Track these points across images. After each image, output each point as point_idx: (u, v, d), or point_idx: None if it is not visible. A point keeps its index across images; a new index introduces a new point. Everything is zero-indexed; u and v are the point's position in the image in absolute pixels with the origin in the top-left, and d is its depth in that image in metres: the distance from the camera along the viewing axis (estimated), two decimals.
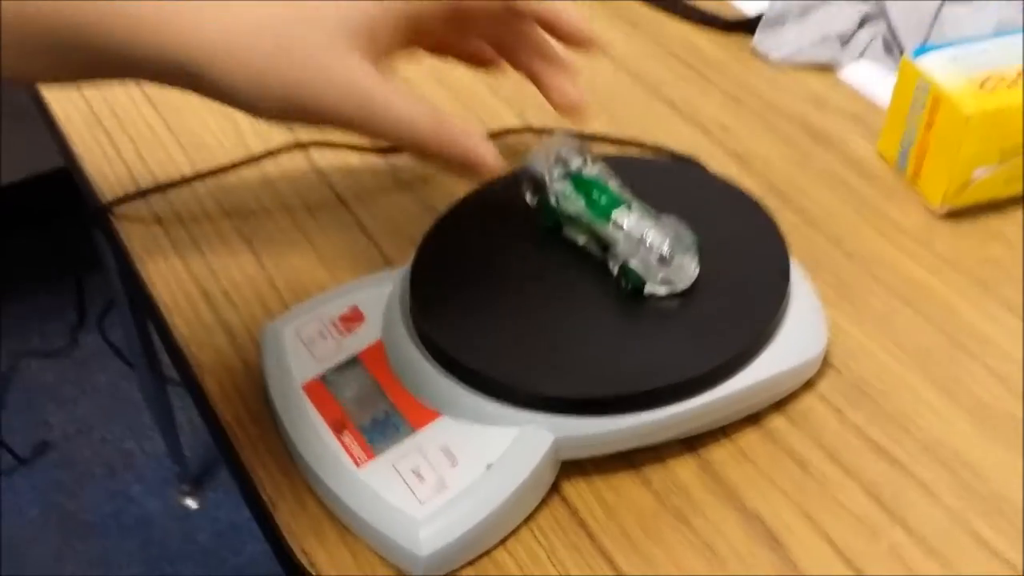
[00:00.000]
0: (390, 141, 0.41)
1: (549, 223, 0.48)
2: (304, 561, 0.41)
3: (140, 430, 1.55)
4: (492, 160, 0.41)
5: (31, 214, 1.71)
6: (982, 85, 0.51)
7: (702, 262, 0.45)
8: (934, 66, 0.52)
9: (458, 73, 0.65)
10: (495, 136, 0.60)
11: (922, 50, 0.54)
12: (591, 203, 0.46)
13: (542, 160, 0.48)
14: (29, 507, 1.46)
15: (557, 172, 0.47)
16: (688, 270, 0.44)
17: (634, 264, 0.44)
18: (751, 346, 0.43)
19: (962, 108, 0.50)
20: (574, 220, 0.47)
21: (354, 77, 0.38)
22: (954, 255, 0.52)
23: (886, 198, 0.56)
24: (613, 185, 0.47)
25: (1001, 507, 0.42)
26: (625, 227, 0.44)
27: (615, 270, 0.45)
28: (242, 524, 1.43)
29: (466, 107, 0.63)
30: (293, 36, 0.38)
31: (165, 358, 0.54)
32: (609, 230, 0.45)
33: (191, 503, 1.47)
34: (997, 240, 0.53)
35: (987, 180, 0.52)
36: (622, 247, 0.44)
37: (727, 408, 0.43)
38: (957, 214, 0.54)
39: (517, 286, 0.46)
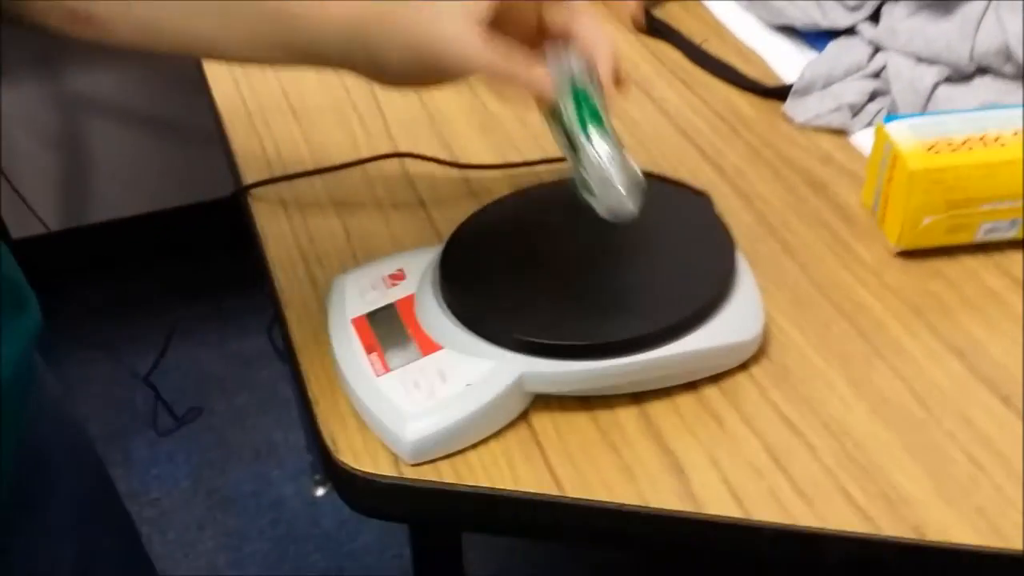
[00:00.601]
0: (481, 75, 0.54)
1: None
2: (330, 443, 0.56)
3: (288, 423, 1.74)
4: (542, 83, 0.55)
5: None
6: (931, 148, 0.62)
7: (667, 252, 0.58)
8: (898, 131, 0.63)
9: (535, 114, 0.80)
10: (549, 162, 0.74)
11: (892, 118, 0.65)
12: (577, 106, 0.56)
13: (555, 65, 0.57)
14: (183, 478, 1.67)
15: (565, 78, 0.57)
16: (626, 203, 0.55)
17: (585, 175, 0.55)
18: (692, 318, 0.55)
19: (908, 165, 0.61)
20: (562, 119, 0.57)
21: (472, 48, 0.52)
22: (899, 285, 0.63)
23: (856, 237, 0.66)
24: (599, 104, 0.57)
25: (873, 475, 0.52)
26: (592, 141, 0.55)
27: (575, 175, 0.56)
28: (360, 516, 1.59)
29: (534, 140, 0.78)
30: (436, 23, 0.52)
31: None
32: (580, 138, 0.56)
33: (320, 491, 1.64)
34: (938, 278, 0.63)
35: (932, 227, 0.62)
36: (583, 155, 0.55)
37: (666, 369, 0.56)
38: (912, 254, 0.64)
39: (522, 261, 0.60)
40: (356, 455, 0.55)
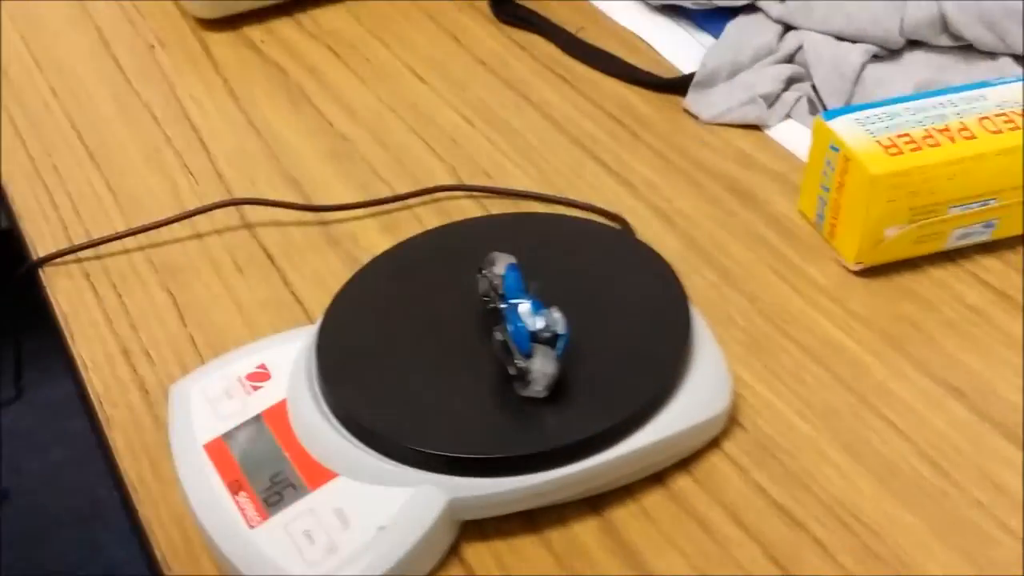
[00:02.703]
0: None
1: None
2: None
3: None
4: None
5: None
6: (889, 146, 0.52)
7: (608, 321, 0.46)
8: (844, 128, 0.53)
9: (397, 131, 0.66)
10: (426, 192, 0.61)
11: (835, 112, 0.55)
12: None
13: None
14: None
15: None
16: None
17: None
18: (650, 405, 0.43)
19: (869, 169, 0.51)
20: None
21: None
22: (867, 312, 0.53)
23: (803, 256, 0.56)
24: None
25: (899, 571, 0.42)
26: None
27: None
28: None
29: (401, 164, 0.64)
30: None
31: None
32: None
33: None
34: (909, 298, 0.53)
35: (899, 239, 0.53)
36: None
37: (627, 467, 0.44)
38: (871, 271, 0.55)
39: (423, 346, 0.46)
40: None
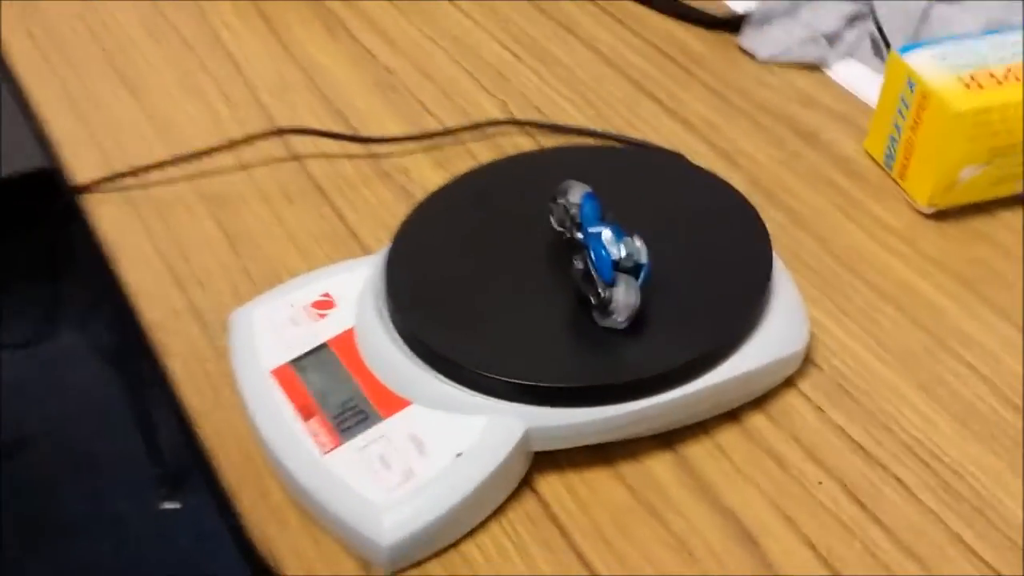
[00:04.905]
0: None
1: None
2: (264, 549, 0.40)
3: (114, 431, 1.52)
4: None
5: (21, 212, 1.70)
6: (970, 83, 0.50)
7: (684, 255, 0.44)
8: (922, 63, 0.52)
9: (442, 64, 0.65)
10: (478, 127, 0.59)
11: (910, 47, 0.53)
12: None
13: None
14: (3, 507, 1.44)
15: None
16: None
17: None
18: (729, 341, 0.42)
19: (951, 106, 0.49)
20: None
21: None
22: (940, 255, 0.51)
23: (872, 197, 0.55)
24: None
25: (983, 509, 0.41)
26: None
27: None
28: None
29: (449, 98, 0.62)
30: None
31: None
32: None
33: (167, 504, 1.44)
34: (983, 241, 0.52)
35: (975, 180, 0.51)
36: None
37: (703, 403, 0.42)
38: (944, 214, 0.53)
39: (494, 275, 0.45)
40: (307, 565, 0.39)
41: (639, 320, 0.42)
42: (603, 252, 0.41)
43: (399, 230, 0.47)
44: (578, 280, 0.42)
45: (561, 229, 0.45)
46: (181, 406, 0.45)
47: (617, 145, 0.58)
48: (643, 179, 0.50)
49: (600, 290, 0.41)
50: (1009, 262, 0.51)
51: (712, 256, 0.45)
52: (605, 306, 0.41)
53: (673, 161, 0.54)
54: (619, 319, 0.41)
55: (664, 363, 0.41)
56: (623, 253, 0.41)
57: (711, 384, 0.42)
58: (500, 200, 0.48)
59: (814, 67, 0.63)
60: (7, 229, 1.65)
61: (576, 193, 0.45)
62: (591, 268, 0.41)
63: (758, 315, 0.43)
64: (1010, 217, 0.53)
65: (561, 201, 0.45)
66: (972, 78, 0.51)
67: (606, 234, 0.42)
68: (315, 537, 0.40)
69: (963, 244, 0.52)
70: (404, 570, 0.39)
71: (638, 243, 0.42)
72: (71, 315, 1.65)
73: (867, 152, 0.57)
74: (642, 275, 0.42)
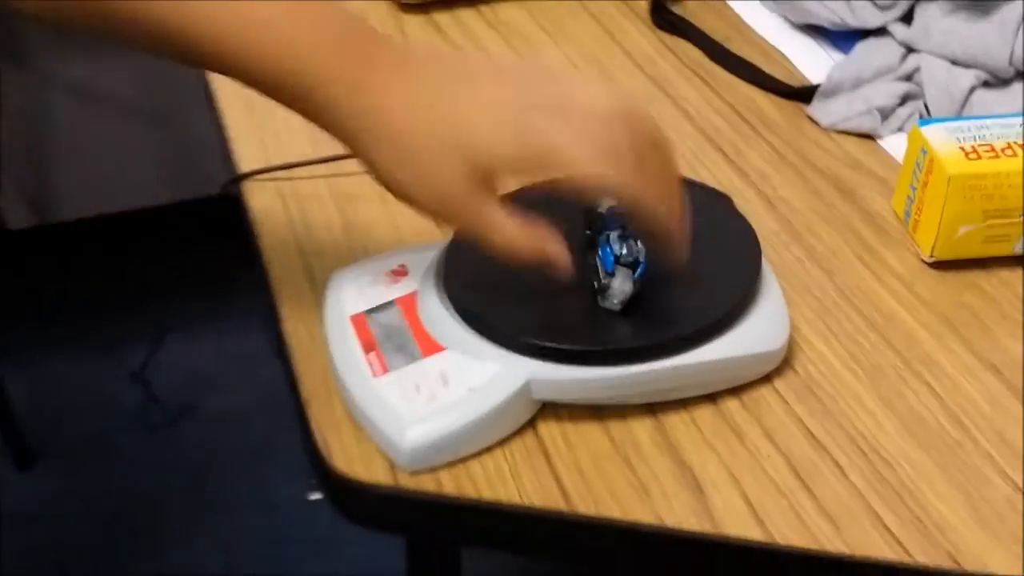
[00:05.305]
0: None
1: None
2: (323, 447, 0.52)
3: (286, 424, 1.69)
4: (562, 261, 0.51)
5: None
6: (971, 152, 0.58)
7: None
8: (934, 134, 0.60)
9: None
10: None
11: (930, 121, 0.61)
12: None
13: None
14: (176, 477, 1.62)
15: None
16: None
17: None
18: (709, 327, 0.52)
19: (947, 169, 0.57)
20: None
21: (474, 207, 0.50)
22: (932, 297, 0.59)
23: (886, 245, 0.63)
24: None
25: (905, 497, 0.49)
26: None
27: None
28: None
29: None
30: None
31: None
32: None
33: (316, 495, 1.59)
34: (973, 290, 0.59)
35: (969, 236, 0.59)
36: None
37: (682, 379, 0.52)
38: (946, 264, 0.61)
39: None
40: (350, 461, 0.51)
41: (636, 305, 0.52)
42: (607, 247, 0.52)
43: None
44: (589, 269, 0.53)
45: (589, 232, 0.56)
46: (283, 338, 0.58)
47: None
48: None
49: (602, 277, 0.51)
50: (994, 311, 0.58)
51: (710, 262, 0.55)
52: (605, 290, 0.52)
53: (703, 191, 0.64)
54: (614, 301, 0.51)
55: (649, 338, 0.51)
56: (624, 251, 0.52)
57: (688, 363, 0.51)
58: (555, 206, 0.60)
59: (868, 136, 0.72)
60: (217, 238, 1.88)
61: (605, 205, 0.55)
62: (598, 260, 0.52)
63: (739, 311, 0.53)
64: (1007, 275, 0.60)
65: (591, 208, 0.56)
66: (973, 149, 0.58)
67: (613, 236, 0.52)
68: (359, 440, 0.52)
69: (955, 290, 0.59)
70: (420, 473, 0.50)
71: (639, 245, 0.52)
72: (253, 322, 1.85)
73: (893, 209, 0.65)
74: (639, 270, 0.52)
